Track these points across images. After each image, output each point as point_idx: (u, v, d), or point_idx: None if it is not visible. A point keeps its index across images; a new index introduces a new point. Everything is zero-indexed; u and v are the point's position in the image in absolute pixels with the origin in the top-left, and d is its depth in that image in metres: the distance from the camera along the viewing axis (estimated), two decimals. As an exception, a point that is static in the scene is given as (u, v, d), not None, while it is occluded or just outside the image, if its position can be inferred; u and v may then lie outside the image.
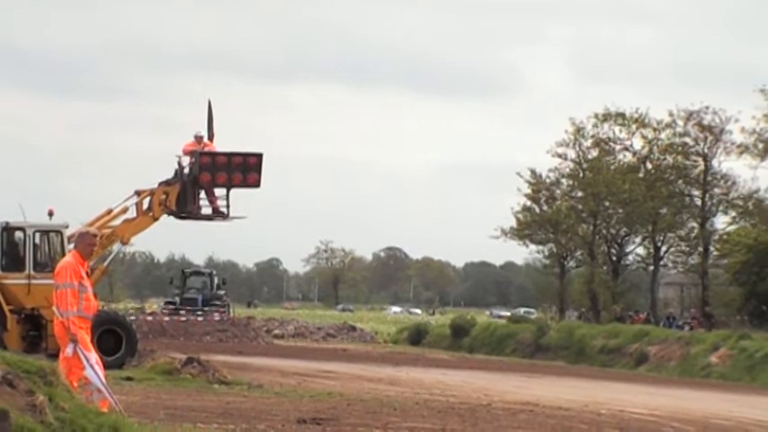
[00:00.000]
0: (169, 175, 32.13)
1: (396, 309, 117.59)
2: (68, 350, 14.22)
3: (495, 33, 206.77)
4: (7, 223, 31.22)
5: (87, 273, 15.20)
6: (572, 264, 66.65)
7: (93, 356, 14.25)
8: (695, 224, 59.97)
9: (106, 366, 16.23)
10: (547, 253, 67.07)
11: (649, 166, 61.09)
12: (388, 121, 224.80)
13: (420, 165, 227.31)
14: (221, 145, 32.02)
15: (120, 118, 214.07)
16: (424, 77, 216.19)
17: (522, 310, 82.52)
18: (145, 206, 32.56)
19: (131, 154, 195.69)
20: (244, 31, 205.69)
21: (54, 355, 15.79)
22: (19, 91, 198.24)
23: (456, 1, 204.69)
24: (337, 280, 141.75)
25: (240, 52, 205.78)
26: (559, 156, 62.95)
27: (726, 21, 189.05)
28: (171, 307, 57.95)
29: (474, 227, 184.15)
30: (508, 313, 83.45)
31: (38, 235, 31.04)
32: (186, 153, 32.72)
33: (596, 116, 61.05)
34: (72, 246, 23.31)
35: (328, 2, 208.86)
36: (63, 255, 23.47)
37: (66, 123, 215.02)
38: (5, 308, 30.40)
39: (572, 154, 62.75)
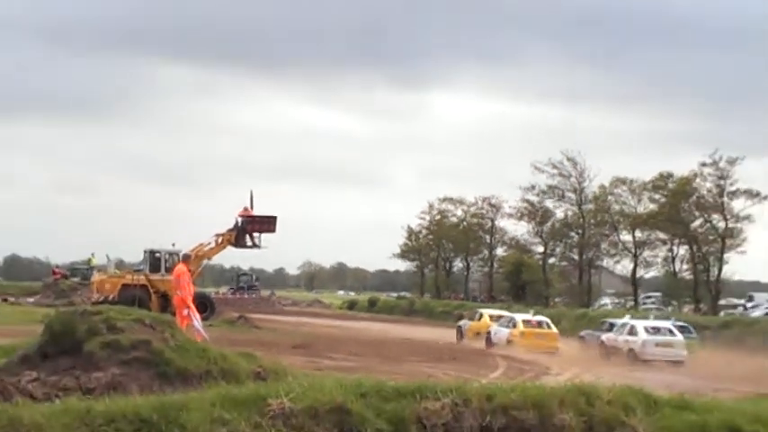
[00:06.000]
0: (230, 225, 49.65)
1: (341, 292, 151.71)
2: (186, 311, 22.50)
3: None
4: (152, 249, 48.60)
5: (191, 272, 25.53)
6: (427, 271, 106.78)
7: (197, 314, 22.73)
8: (487, 252, 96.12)
9: (202, 319, 24.68)
10: (414, 266, 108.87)
11: (465, 223, 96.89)
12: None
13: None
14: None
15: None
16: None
17: (404, 293, 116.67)
18: (219, 241, 49.09)
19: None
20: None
21: (173, 314, 21.79)
22: None
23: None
24: (314, 278, 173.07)
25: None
26: (422, 218, 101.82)
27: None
28: (232, 291, 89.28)
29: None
30: (396, 294, 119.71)
31: (167, 255, 47.69)
32: (240, 215, 49.25)
33: (443, 199, 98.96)
34: (181, 259, 32.57)
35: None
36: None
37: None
38: (151, 291, 46.71)
39: (428, 218, 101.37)
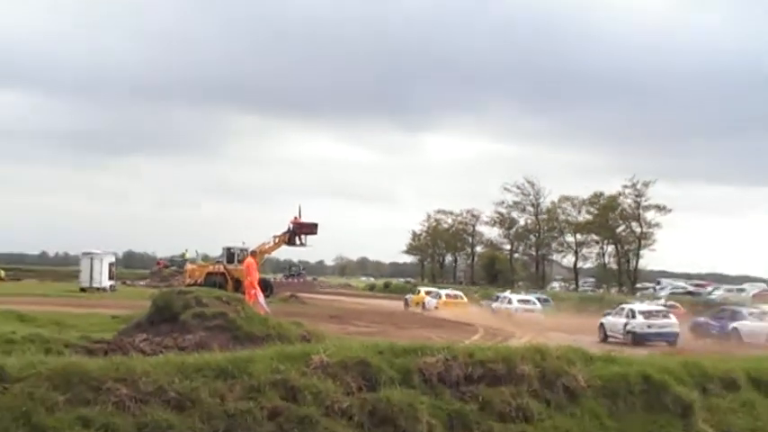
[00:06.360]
0: (284, 229, 49.11)
1: (364, 278, 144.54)
2: (253, 291, 22.72)
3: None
4: (228, 246, 48.19)
5: (257, 263, 26.21)
6: (426, 263, 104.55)
7: (261, 294, 23.52)
8: (469, 249, 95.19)
9: (264, 297, 24.96)
10: (416, 259, 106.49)
11: (453, 228, 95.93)
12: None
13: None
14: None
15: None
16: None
17: (409, 279, 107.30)
18: (276, 240, 48.83)
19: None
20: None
21: (243, 293, 21.69)
22: None
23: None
24: (344, 268, 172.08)
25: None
26: (423, 224, 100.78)
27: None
28: (285, 277, 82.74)
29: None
30: (404, 280, 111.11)
31: (239, 250, 46.44)
32: (292, 222, 48.98)
33: (437, 211, 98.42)
34: (249, 254, 33.41)
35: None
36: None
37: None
38: (228, 277, 45.07)
39: (426, 225, 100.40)
